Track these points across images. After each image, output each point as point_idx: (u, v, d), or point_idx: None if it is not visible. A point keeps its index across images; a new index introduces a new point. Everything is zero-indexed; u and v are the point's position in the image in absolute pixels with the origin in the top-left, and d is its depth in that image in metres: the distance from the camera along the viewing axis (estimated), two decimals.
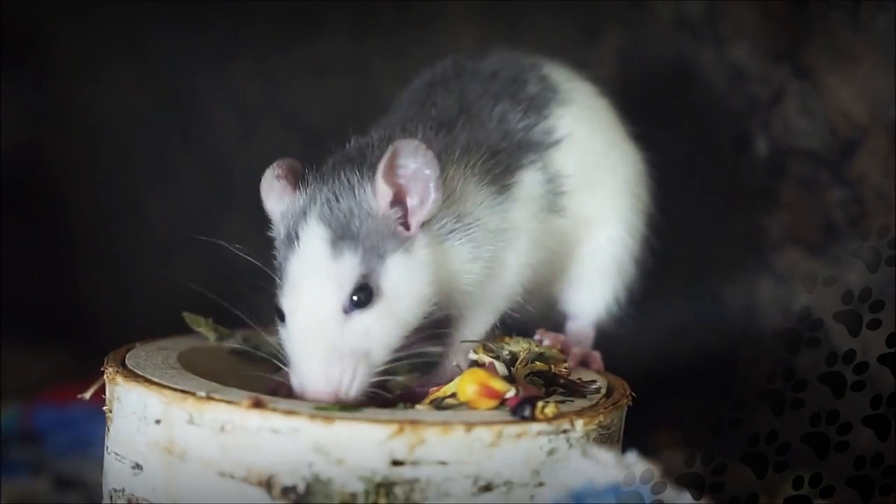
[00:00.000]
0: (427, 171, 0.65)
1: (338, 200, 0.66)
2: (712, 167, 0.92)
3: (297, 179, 0.69)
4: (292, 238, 0.66)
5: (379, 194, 0.66)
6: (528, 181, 0.72)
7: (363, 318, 0.65)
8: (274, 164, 0.70)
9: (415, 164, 0.65)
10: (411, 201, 0.66)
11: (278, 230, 0.69)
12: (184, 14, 1.17)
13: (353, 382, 0.64)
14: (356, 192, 0.66)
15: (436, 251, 0.67)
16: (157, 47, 1.20)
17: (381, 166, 0.65)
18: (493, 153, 0.71)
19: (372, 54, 1.07)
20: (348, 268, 0.65)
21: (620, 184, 0.78)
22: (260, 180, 0.71)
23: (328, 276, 0.65)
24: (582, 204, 0.75)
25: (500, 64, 0.76)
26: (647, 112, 0.81)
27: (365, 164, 0.67)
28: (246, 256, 0.68)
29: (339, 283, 0.65)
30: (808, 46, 0.86)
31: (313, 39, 1.11)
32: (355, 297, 0.65)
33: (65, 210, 1.30)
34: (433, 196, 0.66)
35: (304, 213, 0.67)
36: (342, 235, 0.65)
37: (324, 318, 0.65)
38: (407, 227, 0.66)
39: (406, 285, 0.66)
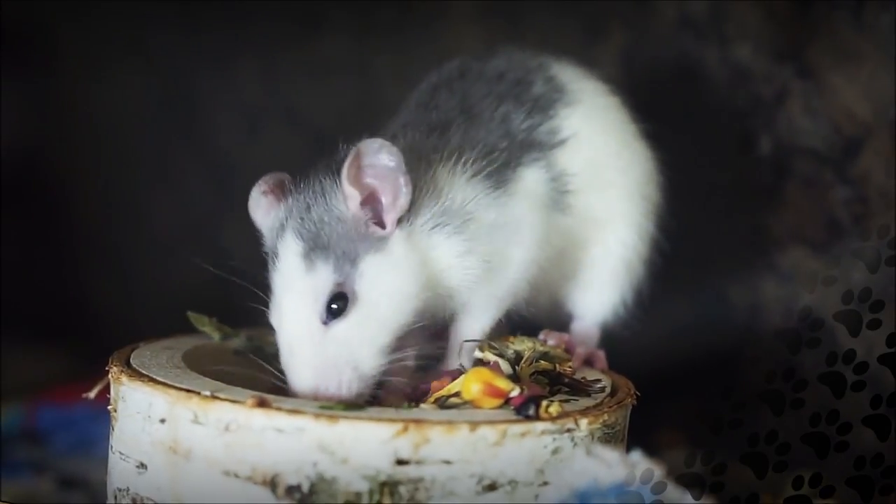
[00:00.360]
0: (392, 165, 0.65)
1: (309, 210, 0.67)
2: (716, 166, 0.92)
3: (284, 193, 0.70)
4: (273, 254, 0.68)
5: (346, 197, 0.66)
6: (529, 178, 0.72)
7: (342, 326, 0.65)
8: (260, 181, 0.71)
9: (380, 161, 0.65)
10: (384, 199, 0.66)
11: (267, 245, 0.69)
12: (187, 13, 1.17)
13: (344, 389, 0.65)
14: (327, 198, 0.67)
15: (417, 247, 0.67)
16: (160, 47, 1.20)
17: (345, 168, 0.65)
18: (490, 151, 0.71)
19: (375, 54, 1.08)
20: (322, 279, 0.65)
21: (631, 184, 0.78)
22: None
23: (303, 290, 0.65)
24: (590, 204, 0.75)
25: (507, 65, 0.76)
26: (650, 112, 0.80)
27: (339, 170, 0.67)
28: (240, 280, 0.68)
29: (313, 295, 0.65)
30: (811, 46, 0.86)
31: (316, 39, 1.11)
32: (333, 307, 0.65)
33: (68, 209, 1.31)
34: (404, 191, 0.66)
35: (282, 227, 0.68)
36: (313, 246, 0.66)
37: (303, 333, 0.65)
38: (382, 226, 0.67)
39: (382, 286, 0.66)
